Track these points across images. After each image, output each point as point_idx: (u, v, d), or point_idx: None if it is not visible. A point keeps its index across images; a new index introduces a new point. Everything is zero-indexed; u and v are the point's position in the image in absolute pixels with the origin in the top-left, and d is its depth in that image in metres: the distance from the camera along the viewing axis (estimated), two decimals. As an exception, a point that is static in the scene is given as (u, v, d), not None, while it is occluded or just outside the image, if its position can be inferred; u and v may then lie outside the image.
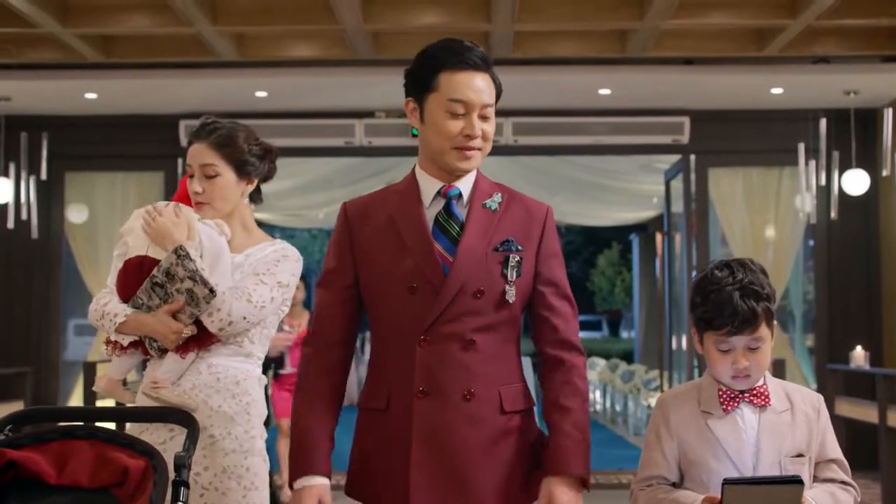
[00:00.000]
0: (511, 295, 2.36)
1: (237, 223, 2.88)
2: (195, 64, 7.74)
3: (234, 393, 2.75)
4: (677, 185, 9.42)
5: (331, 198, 11.12)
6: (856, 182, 8.16)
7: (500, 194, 2.45)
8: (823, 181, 8.25)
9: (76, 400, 8.68)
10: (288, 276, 2.81)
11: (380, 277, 2.38)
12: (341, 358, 2.44)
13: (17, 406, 7.64)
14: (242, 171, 2.84)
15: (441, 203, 2.41)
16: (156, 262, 2.72)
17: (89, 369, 7.64)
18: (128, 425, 2.80)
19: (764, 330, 2.29)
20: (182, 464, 2.30)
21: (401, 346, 2.35)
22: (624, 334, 30.67)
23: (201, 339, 2.71)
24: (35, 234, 8.33)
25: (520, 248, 2.38)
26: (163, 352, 2.73)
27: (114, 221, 8.76)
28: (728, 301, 2.27)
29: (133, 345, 2.78)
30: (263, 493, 2.77)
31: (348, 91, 8.21)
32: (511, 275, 2.36)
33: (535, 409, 2.48)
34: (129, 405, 2.91)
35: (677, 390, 2.45)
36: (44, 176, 8.32)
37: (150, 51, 7.42)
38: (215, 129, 2.84)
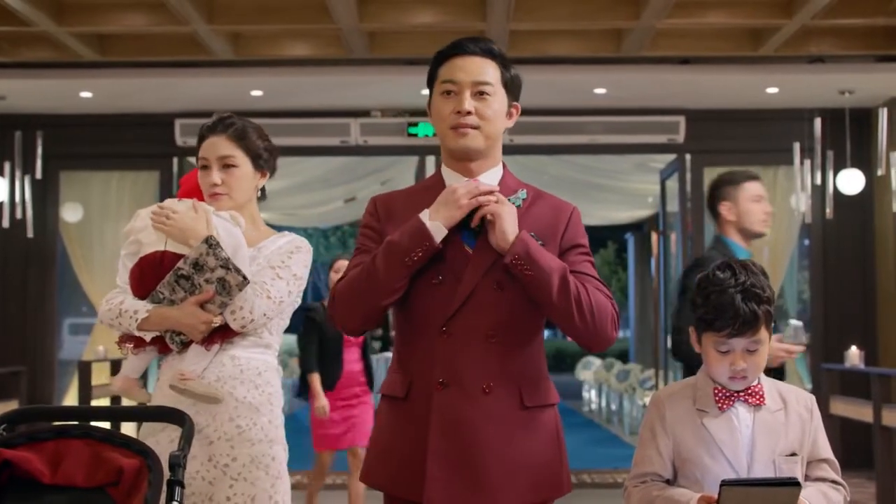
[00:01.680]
0: None
1: (247, 217, 2.91)
2: (191, 63, 7.73)
3: (256, 384, 2.77)
4: (673, 184, 9.43)
5: (326, 197, 11.12)
6: (851, 181, 8.18)
7: (524, 191, 2.47)
8: (818, 180, 8.26)
9: (71, 399, 8.68)
10: (302, 269, 2.85)
11: None
12: None
13: (11, 405, 7.64)
14: (258, 163, 2.91)
15: None
16: (177, 256, 2.73)
17: (84, 368, 7.64)
18: (145, 423, 2.78)
19: (763, 333, 2.30)
20: (177, 463, 2.30)
21: (423, 337, 2.38)
22: (619, 333, 30.67)
23: (225, 331, 2.73)
24: (30, 233, 8.32)
25: (540, 242, 2.38)
26: (185, 346, 2.73)
27: (109, 221, 8.76)
28: (730, 303, 2.27)
29: (152, 341, 2.78)
30: (286, 483, 2.81)
31: (344, 90, 8.21)
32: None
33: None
34: (142, 405, 2.90)
35: (672, 388, 2.45)
36: (39, 175, 8.31)
37: (146, 50, 7.42)
38: (232, 124, 2.90)
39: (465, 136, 2.40)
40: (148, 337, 2.76)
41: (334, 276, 9.19)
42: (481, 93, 2.40)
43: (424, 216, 2.34)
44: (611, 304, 2.39)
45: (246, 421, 2.73)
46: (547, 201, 2.49)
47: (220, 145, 2.86)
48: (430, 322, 2.37)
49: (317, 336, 6.13)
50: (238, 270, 2.68)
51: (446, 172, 2.49)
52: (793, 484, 2.15)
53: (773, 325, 2.35)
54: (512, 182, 2.49)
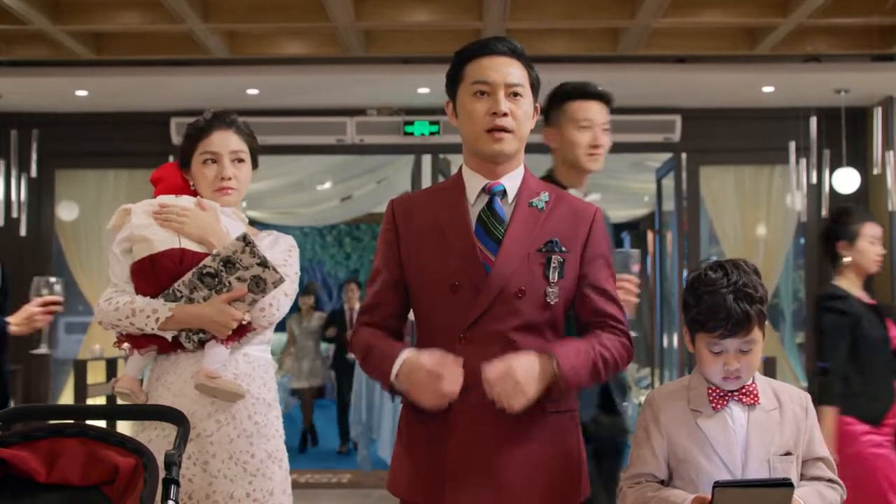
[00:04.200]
0: (553, 296, 2.35)
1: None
2: (186, 61, 7.73)
3: (265, 380, 2.81)
4: (668, 183, 9.44)
5: (322, 196, 11.11)
6: (846, 180, 8.18)
7: (547, 193, 2.45)
8: (814, 179, 8.27)
9: (66, 398, 8.67)
10: (298, 267, 2.90)
11: (423, 275, 2.40)
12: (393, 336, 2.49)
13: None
14: (254, 161, 2.96)
15: (485, 200, 2.41)
16: (196, 254, 2.72)
17: (80, 367, 7.63)
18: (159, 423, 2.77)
19: (756, 333, 2.30)
20: (173, 461, 2.30)
21: (442, 344, 2.35)
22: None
23: (242, 329, 2.74)
24: (25, 231, 8.30)
25: (563, 249, 2.37)
26: (201, 344, 2.73)
27: (105, 219, 8.70)
28: (722, 304, 2.27)
29: (156, 340, 2.76)
30: (289, 476, 2.85)
31: (340, 89, 8.20)
32: (553, 276, 2.35)
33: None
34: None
35: (667, 388, 2.45)
36: (34, 173, 8.30)
37: (142, 48, 7.41)
38: (235, 119, 2.94)
39: (501, 141, 2.37)
40: (169, 336, 2.74)
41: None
42: (515, 94, 2.38)
43: (398, 363, 2.32)
44: (628, 349, 2.42)
45: (262, 417, 2.76)
46: (568, 203, 2.47)
47: (231, 140, 2.89)
48: (448, 328, 2.36)
49: (849, 335, 4.06)
50: (275, 268, 2.68)
51: (468, 173, 2.45)
52: (786, 484, 2.15)
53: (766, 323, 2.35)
54: (533, 183, 2.46)
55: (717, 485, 2.15)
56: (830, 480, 2.35)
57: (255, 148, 2.95)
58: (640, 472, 2.37)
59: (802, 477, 2.34)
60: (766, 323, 2.35)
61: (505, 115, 2.35)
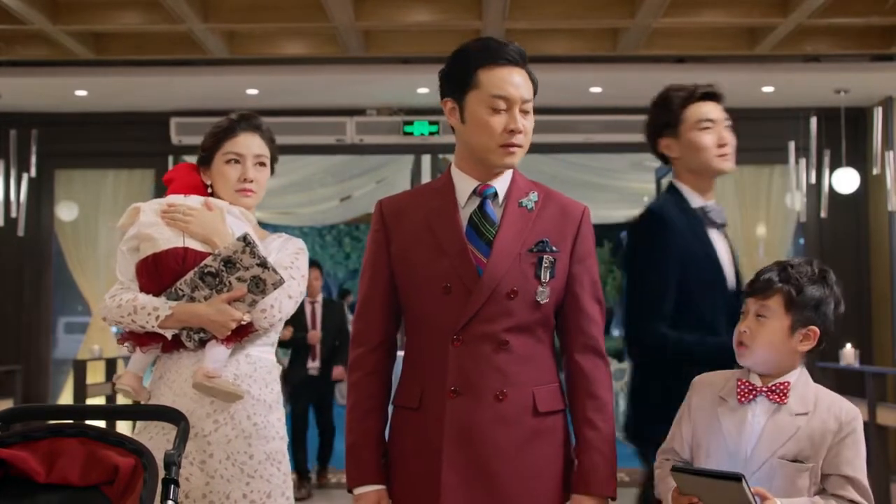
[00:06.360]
0: (544, 296, 2.36)
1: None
2: (186, 61, 7.73)
3: (267, 382, 2.81)
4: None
5: (322, 195, 11.10)
6: (846, 180, 8.19)
7: (536, 193, 2.45)
8: (814, 179, 8.28)
9: (66, 398, 8.67)
10: (306, 269, 2.91)
11: (415, 277, 2.39)
12: (385, 359, 2.48)
13: (6, 404, 7.63)
14: (272, 167, 2.99)
15: (476, 202, 2.41)
16: (199, 253, 2.73)
17: (79, 367, 7.63)
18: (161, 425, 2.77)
19: (776, 306, 2.33)
20: (172, 462, 2.30)
21: (434, 346, 2.36)
22: (615, 332, 30.69)
23: (243, 330, 2.74)
24: (24, 231, 8.30)
25: (554, 249, 2.38)
26: (202, 344, 2.73)
27: (104, 219, 8.75)
28: (763, 270, 2.39)
29: (158, 338, 2.77)
30: (290, 479, 2.84)
31: (339, 89, 8.21)
32: (544, 276, 2.36)
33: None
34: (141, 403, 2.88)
35: (711, 374, 2.48)
36: (33, 173, 8.30)
37: (141, 48, 7.42)
38: (261, 124, 2.97)
39: (513, 155, 2.37)
40: (169, 334, 2.74)
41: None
42: (525, 110, 2.39)
43: (362, 490, 2.40)
44: (608, 373, 2.44)
45: (261, 418, 2.75)
46: (556, 202, 2.46)
47: (256, 143, 2.92)
48: (440, 330, 2.35)
49: None
50: (275, 269, 2.69)
51: (457, 174, 2.44)
52: (735, 479, 2.11)
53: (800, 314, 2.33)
54: (523, 183, 2.46)
55: (675, 469, 2.20)
56: (852, 501, 2.26)
57: (275, 154, 2.99)
58: (669, 447, 2.45)
59: (823, 492, 2.27)
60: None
61: (520, 131, 2.37)
